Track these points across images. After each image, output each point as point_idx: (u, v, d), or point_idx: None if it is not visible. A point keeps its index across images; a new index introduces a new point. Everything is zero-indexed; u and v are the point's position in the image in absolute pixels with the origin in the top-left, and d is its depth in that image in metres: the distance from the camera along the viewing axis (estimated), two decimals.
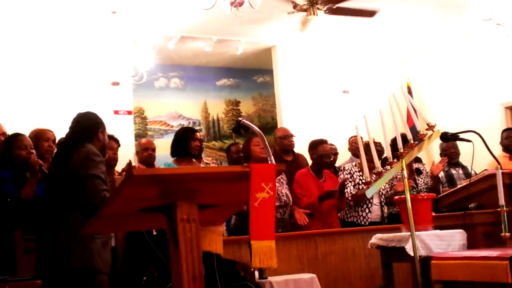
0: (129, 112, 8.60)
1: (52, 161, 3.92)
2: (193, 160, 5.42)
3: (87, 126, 3.84)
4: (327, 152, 6.23)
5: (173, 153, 5.38)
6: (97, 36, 8.28)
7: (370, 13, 7.72)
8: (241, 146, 6.71)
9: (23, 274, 3.87)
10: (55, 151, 4.27)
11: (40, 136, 5.07)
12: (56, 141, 5.30)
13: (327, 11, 7.26)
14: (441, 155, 6.99)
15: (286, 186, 5.91)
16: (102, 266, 3.58)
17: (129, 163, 4.77)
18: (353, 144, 6.74)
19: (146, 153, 6.29)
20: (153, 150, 6.38)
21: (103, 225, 2.72)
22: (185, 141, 5.30)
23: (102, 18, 7.80)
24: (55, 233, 3.57)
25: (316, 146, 6.30)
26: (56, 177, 3.71)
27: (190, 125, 10.21)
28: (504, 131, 7.02)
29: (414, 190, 6.16)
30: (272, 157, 3.44)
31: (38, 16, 7.65)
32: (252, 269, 4.30)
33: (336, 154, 7.13)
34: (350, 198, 6.11)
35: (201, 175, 2.38)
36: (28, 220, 4.27)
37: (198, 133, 5.47)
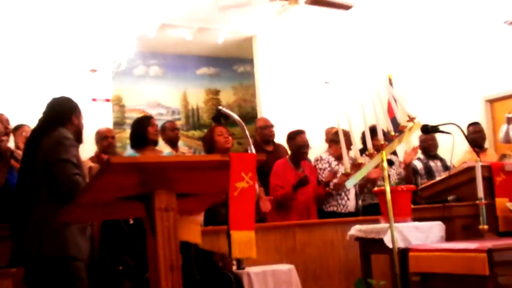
0: (108, 100, 8.51)
1: (24, 148, 3.86)
2: (155, 148, 5.34)
3: (60, 111, 3.80)
4: (305, 142, 6.23)
5: (133, 144, 5.29)
6: (77, 22, 8.17)
7: (346, 7, 7.71)
8: None
9: None
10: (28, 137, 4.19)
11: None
12: (9, 123, 5.28)
13: (306, 2, 7.23)
14: (419, 147, 7.01)
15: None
16: (78, 253, 3.53)
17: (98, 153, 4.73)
18: (329, 134, 6.72)
19: (105, 141, 6.18)
20: (113, 137, 6.30)
21: (80, 214, 2.68)
22: (142, 129, 5.21)
23: (82, 4, 7.70)
24: (28, 221, 3.52)
25: (294, 137, 6.32)
26: (27, 163, 3.67)
27: (169, 114, 10.15)
28: (470, 125, 7.01)
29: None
30: (252, 146, 3.41)
31: (16, 2, 7.53)
32: (230, 260, 4.27)
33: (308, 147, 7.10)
34: (332, 187, 6.13)
35: (180, 164, 2.35)
36: (1, 207, 4.20)
37: (154, 119, 5.38)
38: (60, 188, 3.48)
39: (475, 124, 7.01)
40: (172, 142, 6.32)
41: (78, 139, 3.81)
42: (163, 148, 6.16)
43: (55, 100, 3.90)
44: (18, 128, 6.02)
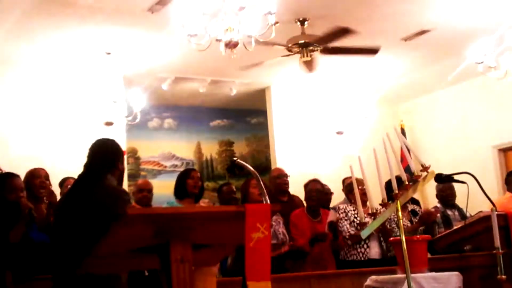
0: (124, 153, 8.57)
1: (71, 192, 3.66)
2: (194, 200, 5.36)
3: (106, 156, 3.61)
4: (313, 188, 6.23)
5: (175, 194, 5.34)
6: (91, 76, 8.31)
7: (373, 51, 7.60)
8: (233, 186, 6.69)
9: None
10: (72, 183, 3.98)
11: (32, 175, 5.04)
12: (49, 177, 5.27)
13: (323, 51, 7.28)
14: (437, 196, 6.97)
15: (283, 225, 5.89)
16: None
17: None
18: (348, 185, 6.71)
19: (140, 194, 6.20)
20: (149, 191, 6.29)
21: (96, 265, 2.68)
22: (182, 181, 5.26)
23: (97, 59, 7.84)
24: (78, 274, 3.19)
25: (306, 185, 6.38)
26: (77, 210, 3.41)
27: (184, 166, 10.18)
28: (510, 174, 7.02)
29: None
30: (266, 197, 3.42)
31: (32, 56, 7.68)
32: None
33: (330, 194, 7.09)
34: (347, 237, 6.08)
35: (196, 214, 2.36)
36: (19, 262, 4.19)
37: (196, 172, 5.38)
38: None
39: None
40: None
41: (120, 183, 3.67)
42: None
43: (99, 142, 3.73)
44: (64, 181, 6.13)
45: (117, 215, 3.22)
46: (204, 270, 3.85)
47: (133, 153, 10.05)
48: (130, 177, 9.21)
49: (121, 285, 3.40)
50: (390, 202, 4.10)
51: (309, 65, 7.50)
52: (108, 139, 3.79)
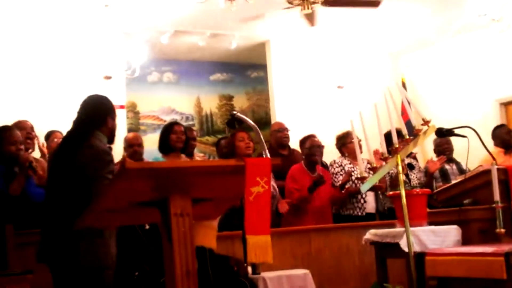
0: (122, 107, 8.54)
1: (58, 151, 3.69)
2: (181, 154, 5.37)
3: (95, 112, 3.61)
4: (315, 143, 6.24)
5: (159, 149, 5.35)
6: (90, 29, 8.22)
7: (374, 3, 7.49)
8: None
9: (14, 268, 3.85)
10: (61, 139, 4.03)
11: (17, 127, 4.96)
12: (34, 129, 5.31)
13: (324, 3, 7.17)
14: (434, 150, 6.98)
15: (273, 178, 5.89)
16: (110, 261, 3.49)
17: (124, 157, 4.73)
18: (340, 138, 6.65)
19: (131, 149, 6.14)
20: (139, 145, 6.24)
21: (96, 219, 2.69)
22: (165, 136, 5.27)
23: (95, 12, 7.74)
24: (65, 230, 3.37)
25: (304, 140, 6.37)
26: (62, 170, 3.50)
27: (183, 120, 10.16)
28: (499, 127, 7.04)
29: (407, 185, 6.14)
30: (267, 151, 3.41)
31: (31, 10, 7.59)
32: (245, 265, 4.27)
33: (322, 146, 7.05)
34: (343, 191, 6.13)
35: (195, 168, 2.35)
36: (18, 215, 4.22)
37: (179, 126, 5.36)
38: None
39: (502, 126, 7.06)
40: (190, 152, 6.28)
41: (111, 140, 3.68)
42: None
43: (90, 99, 3.71)
44: (50, 134, 6.07)
45: (96, 176, 3.31)
46: (205, 224, 3.87)
47: (133, 107, 10.02)
48: (130, 131, 9.18)
49: (105, 239, 3.44)
50: (389, 156, 4.11)
51: (310, 18, 7.42)
52: (99, 95, 3.77)
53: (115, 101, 8.42)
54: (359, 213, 6.16)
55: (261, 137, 3.58)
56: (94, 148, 3.45)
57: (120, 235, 4.25)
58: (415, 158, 7.06)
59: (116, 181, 2.22)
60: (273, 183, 5.82)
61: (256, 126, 3.56)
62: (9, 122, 5.22)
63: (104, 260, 3.44)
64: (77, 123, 3.64)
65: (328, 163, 6.69)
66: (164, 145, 5.27)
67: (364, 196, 6.20)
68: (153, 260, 4.03)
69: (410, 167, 6.52)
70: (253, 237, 2.33)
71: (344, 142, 6.43)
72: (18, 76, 7.84)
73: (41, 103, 7.70)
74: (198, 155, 6.88)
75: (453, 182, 5.21)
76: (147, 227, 4.22)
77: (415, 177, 6.51)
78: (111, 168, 3.45)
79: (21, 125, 5.15)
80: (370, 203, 6.25)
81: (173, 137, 5.22)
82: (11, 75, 7.80)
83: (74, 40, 8.19)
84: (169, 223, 2.30)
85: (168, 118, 10.05)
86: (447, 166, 6.79)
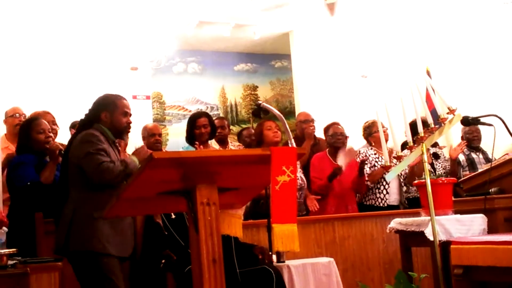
0: (148, 97, 8.61)
1: (68, 142, 4.00)
2: (209, 143, 5.42)
3: (92, 110, 3.90)
4: (338, 130, 6.24)
5: (187, 140, 5.45)
6: (116, 21, 8.28)
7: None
8: (252, 130, 6.69)
9: (44, 255, 3.92)
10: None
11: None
12: (55, 122, 5.52)
13: None
14: (462, 138, 6.93)
15: (301, 170, 5.93)
16: (110, 248, 3.56)
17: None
18: (367, 127, 6.64)
19: (153, 138, 6.19)
20: (160, 135, 6.31)
21: (122, 208, 2.73)
22: (190, 129, 5.36)
23: (122, 3, 7.80)
24: (60, 215, 3.66)
25: (327, 129, 6.37)
26: (63, 161, 3.88)
27: (208, 110, 10.19)
28: None
29: (432, 174, 6.11)
30: (292, 140, 3.43)
31: (58, 2, 7.67)
32: (270, 253, 4.30)
33: (346, 137, 7.05)
34: (367, 178, 6.12)
35: (221, 158, 2.38)
36: (48, 203, 4.30)
37: (201, 119, 5.38)
38: (92, 181, 3.57)
39: None
40: (221, 140, 6.30)
41: (116, 134, 3.87)
42: (214, 145, 6.20)
43: (97, 98, 3.98)
44: (75, 125, 6.15)
45: (83, 156, 3.58)
46: (230, 212, 3.90)
47: (158, 98, 10.09)
48: (155, 121, 9.26)
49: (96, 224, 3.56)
50: (415, 145, 4.10)
51: (331, 7, 7.42)
52: (103, 95, 4.00)
53: (141, 92, 8.56)
54: (380, 204, 6.15)
55: (287, 126, 3.61)
56: (79, 136, 3.74)
57: (147, 225, 4.33)
58: (440, 148, 7.03)
59: (143, 170, 2.26)
60: (301, 174, 5.87)
61: (281, 116, 3.59)
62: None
63: (95, 246, 3.53)
64: (80, 121, 3.97)
65: None
66: (191, 137, 5.35)
67: (387, 187, 6.19)
68: (179, 248, 4.08)
69: (435, 156, 6.50)
70: (279, 226, 2.35)
71: (370, 132, 6.43)
72: (45, 67, 7.92)
73: (68, 95, 7.78)
74: (234, 145, 6.90)
75: (479, 170, 5.19)
76: (173, 216, 4.27)
77: (440, 166, 6.49)
78: (99, 146, 3.64)
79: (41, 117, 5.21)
80: (392, 195, 6.24)
81: (196, 132, 5.29)
82: (38, 67, 7.88)
83: (100, 31, 8.25)
84: (195, 212, 2.33)
85: (193, 108, 10.11)
86: (474, 155, 6.75)
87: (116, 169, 3.59)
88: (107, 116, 3.82)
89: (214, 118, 6.64)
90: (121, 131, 3.89)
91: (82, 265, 3.57)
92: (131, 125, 3.96)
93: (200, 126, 5.29)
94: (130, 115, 3.93)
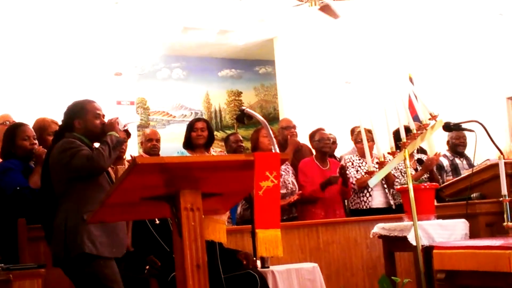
0: (132, 103, 8.61)
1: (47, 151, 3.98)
2: (206, 150, 5.45)
3: (65, 118, 3.85)
4: (324, 136, 6.27)
5: (184, 145, 5.47)
6: (100, 27, 8.27)
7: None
8: (239, 135, 6.74)
9: (26, 262, 3.89)
10: None
11: (44, 129, 5.00)
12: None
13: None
14: (447, 143, 6.97)
15: (293, 175, 6.00)
16: (102, 249, 3.54)
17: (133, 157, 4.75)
18: (358, 133, 6.70)
19: (150, 143, 6.25)
20: (157, 140, 6.34)
21: (106, 214, 2.73)
22: (188, 134, 5.40)
23: (106, 9, 7.79)
24: (52, 223, 3.63)
25: (313, 134, 6.40)
26: (44, 170, 3.82)
27: (192, 116, 10.20)
28: None
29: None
30: (276, 146, 3.44)
31: (42, 6, 7.64)
32: (255, 259, 4.31)
33: (334, 143, 7.10)
34: (354, 183, 6.16)
35: (205, 163, 2.38)
36: (32, 209, 4.27)
37: (200, 123, 5.44)
38: (88, 175, 3.59)
39: None
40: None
41: (94, 139, 3.84)
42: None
43: (68, 106, 3.93)
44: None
45: (67, 162, 3.56)
46: (214, 218, 3.91)
47: (143, 103, 10.08)
48: (140, 127, 9.25)
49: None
50: (397, 150, 4.14)
51: (329, 11, 7.43)
52: (73, 102, 3.94)
53: (125, 97, 8.54)
54: (364, 207, 6.21)
55: (271, 132, 3.62)
56: (57, 147, 3.70)
57: (132, 230, 4.31)
58: (425, 153, 7.07)
59: (127, 176, 2.26)
60: (293, 179, 5.91)
61: (265, 121, 3.60)
62: (22, 119, 5.26)
63: (86, 248, 3.49)
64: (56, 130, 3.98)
65: (338, 158, 6.73)
66: (188, 142, 5.37)
67: (370, 190, 6.23)
68: (164, 254, 4.07)
69: (420, 162, 6.55)
70: (263, 231, 2.36)
71: (356, 137, 6.47)
72: (28, 74, 7.89)
73: (52, 100, 7.75)
74: (215, 150, 6.93)
75: (461, 176, 5.22)
76: (157, 221, 4.26)
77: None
78: (79, 147, 3.63)
79: (50, 130, 5.16)
80: (376, 198, 6.28)
81: (193, 135, 5.32)
82: (21, 73, 7.85)
83: (84, 37, 8.24)
84: (179, 217, 2.33)
85: (177, 114, 10.11)
86: (457, 161, 6.80)
87: (103, 151, 3.58)
88: (80, 123, 3.78)
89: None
90: (99, 134, 3.82)
91: (78, 270, 3.53)
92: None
93: (197, 129, 5.33)
94: (104, 115, 3.88)
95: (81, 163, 3.57)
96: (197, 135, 5.33)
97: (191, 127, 5.40)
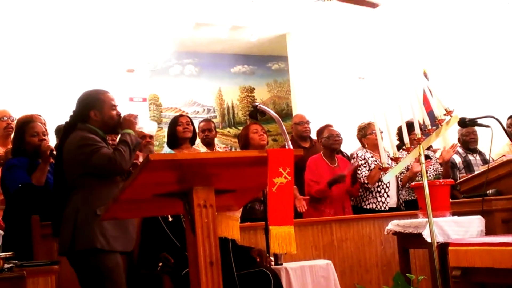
0: (144, 99, 8.62)
1: (57, 144, 3.93)
2: (191, 146, 5.44)
3: (79, 108, 3.76)
4: (333, 133, 6.22)
5: (169, 144, 5.46)
6: (112, 23, 8.27)
7: (372, 4, 7.58)
8: None
9: (40, 259, 3.90)
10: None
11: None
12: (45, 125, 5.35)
13: None
14: (459, 140, 6.92)
15: None
16: (113, 244, 3.52)
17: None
18: (361, 129, 6.60)
19: (144, 141, 6.20)
20: (151, 137, 6.31)
21: (119, 211, 2.72)
22: (172, 129, 5.39)
23: (118, 5, 7.79)
24: (62, 217, 3.61)
25: (321, 131, 6.36)
26: (57, 163, 3.78)
27: (205, 112, 10.20)
28: (510, 117, 6.92)
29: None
30: (289, 142, 3.42)
31: (55, 3, 7.66)
32: (268, 255, 4.29)
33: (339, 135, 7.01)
34: (366, 181, 6.09)
35: (218, 160, 2.37)
36: (42, 206, 4.27)
37: (184, 117, 5.44)
38: (110, 175, 3.58)
39: None
40: (208, 143, 6.32)
41: (110, 130, 3.80)
42: (201, 148, 6.19)
43: (81, 95, 3.84)
44: (60, 129, 6.07)
45: (88, 159, 3.51)
46: (227, 215, 3.89)
47: (155, 100, 10.08)
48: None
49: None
50: (412, 146, 4.10)
51: (363, 2, 7.39)
52: (86, 92, 3.86)
53: (138, 94, 8.55)
54: (382, 208, 6.10)
55: (284, 128, 3.59)
56: (72, 141, 3.63)
57: (144, 227, 4.31)
58: (434, 151, 7.01)
59: (140, 172, 2.24)
60: None
61: (278, 117, 3.57)
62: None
63: (97, 242, 3.47)
64: (67, 121, 3.81)
65: (349, 154, 6.68)
66: (173, 139, 5.36)
67: (387, 190, 6.15)
68: (176, 251, 4.06)
69: (426, 158, 6.48)
70: (276, 228, 2.35)
71: (365, 133, 6.38)
72: (42, 71, 7.91)
73: (64, 97, 7.76)
74: (220, 147, 6.90)
75: (476, 172, 5.18)
76: (170, 219, 4.26)
77: (431, 168, 6.46)
78: (98, 144, 3.58)
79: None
80: (392, 198, 6.20)
81: (179, 129, 5.32)
82: (35, 70, 7.87)
83: (96, 34, 8.25)
84: (192, 214, 2.33)
85: (190, 110, 10.10)
86: (470, 157, 6.73)
87: (124, 152, 3.54)
88: (97, 114, 3.71)
89: (201, 120, 6.71)
90: (115, 126, 3.78)
91: (86, 263, 3.53)
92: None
93: (182, 123, 5.34)
94: (117, 106, 3.83)
95: (101, 163, 3.52)
96: (184, 128, 5.33)
97: (175, 122, 5.40)
